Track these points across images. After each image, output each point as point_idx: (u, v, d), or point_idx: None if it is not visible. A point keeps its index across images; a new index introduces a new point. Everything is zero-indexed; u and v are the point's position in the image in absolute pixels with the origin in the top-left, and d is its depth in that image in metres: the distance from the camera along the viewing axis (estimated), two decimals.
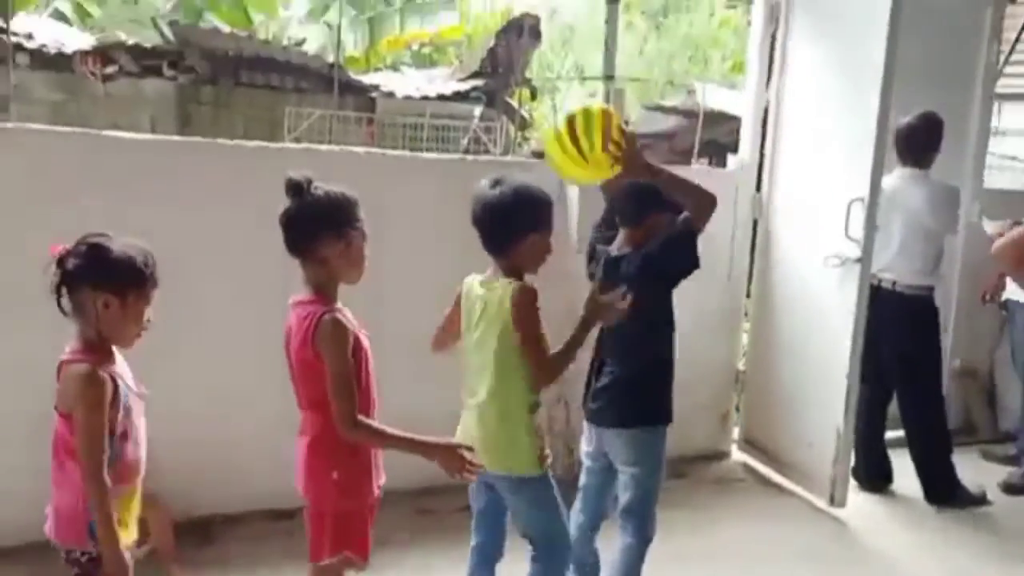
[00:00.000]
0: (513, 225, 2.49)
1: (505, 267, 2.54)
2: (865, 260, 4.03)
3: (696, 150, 5.38)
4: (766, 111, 4.80)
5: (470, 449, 2.27)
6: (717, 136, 7.58)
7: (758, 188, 4.82)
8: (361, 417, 2.17)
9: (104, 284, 2.00)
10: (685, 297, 4.61)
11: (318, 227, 2.23)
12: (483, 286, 2.56)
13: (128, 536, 2.08)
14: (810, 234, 4.42)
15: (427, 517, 3.80)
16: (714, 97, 8.52)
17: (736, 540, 3.17)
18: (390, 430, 2.23)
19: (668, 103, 10.77)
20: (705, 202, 2.68)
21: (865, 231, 3.99)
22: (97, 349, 2.02)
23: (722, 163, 7.35)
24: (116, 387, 2.00)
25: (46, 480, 2.13)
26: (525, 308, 2.43)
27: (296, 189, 2.24)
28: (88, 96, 8.53)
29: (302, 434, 2.32)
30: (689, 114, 7.78)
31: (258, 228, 3.55)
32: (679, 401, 3.84)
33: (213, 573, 3.15)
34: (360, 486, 2.32)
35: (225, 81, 9.47)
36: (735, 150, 5.01)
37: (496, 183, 2.52)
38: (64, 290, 2.00)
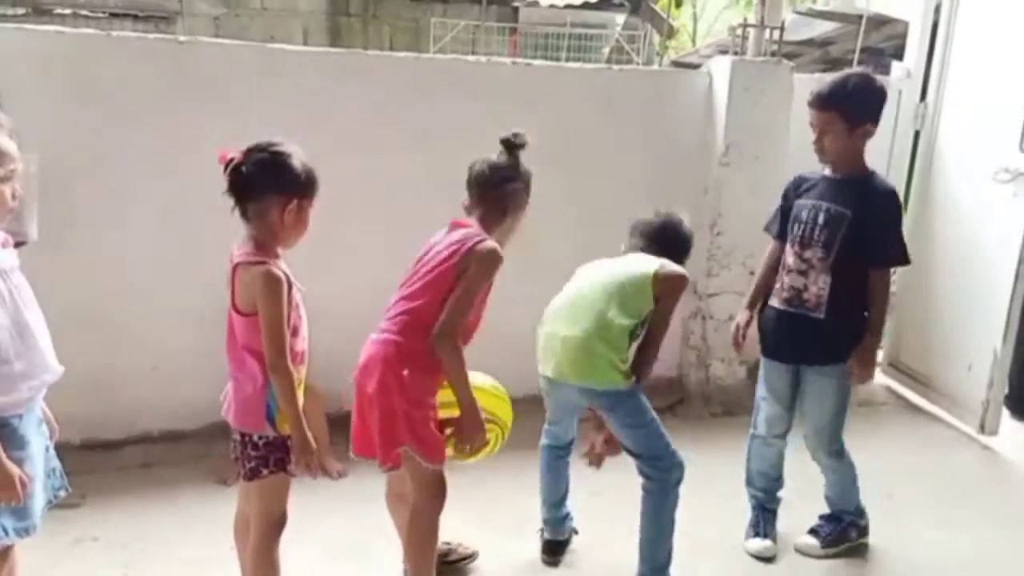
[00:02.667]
0: None
1: None
2: None
3: (856, 57, 5.06)
4: (936, 14, 4.47)
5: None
6: (875, 42, 7.10)
7: (922, 97, 4.53)
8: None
9: (290, 190, 2.14)
10: None
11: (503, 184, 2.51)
12: None
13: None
14: (979, 147, 4.13)
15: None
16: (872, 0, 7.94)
17: (877, 465, 3.10)
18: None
19: (822, 6, 10.11)
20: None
21: None
22: (268, 250, 2.16)
23: (881, 70, 6.91)
24: (290, 284, 2.17)
25: (214, 367, 2.33)
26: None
27: (508, 146, 2.52)
28: (246, 9, 8.85)
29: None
30: (845, 18, 7.27)
31: (411, 135, 3.70)
32: None
33: (363, 465, 3.35)
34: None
35: None
36: (896, 56, 4.69)
37: None
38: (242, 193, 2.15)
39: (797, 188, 2.99)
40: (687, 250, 2.81)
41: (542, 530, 2.97)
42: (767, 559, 3.02)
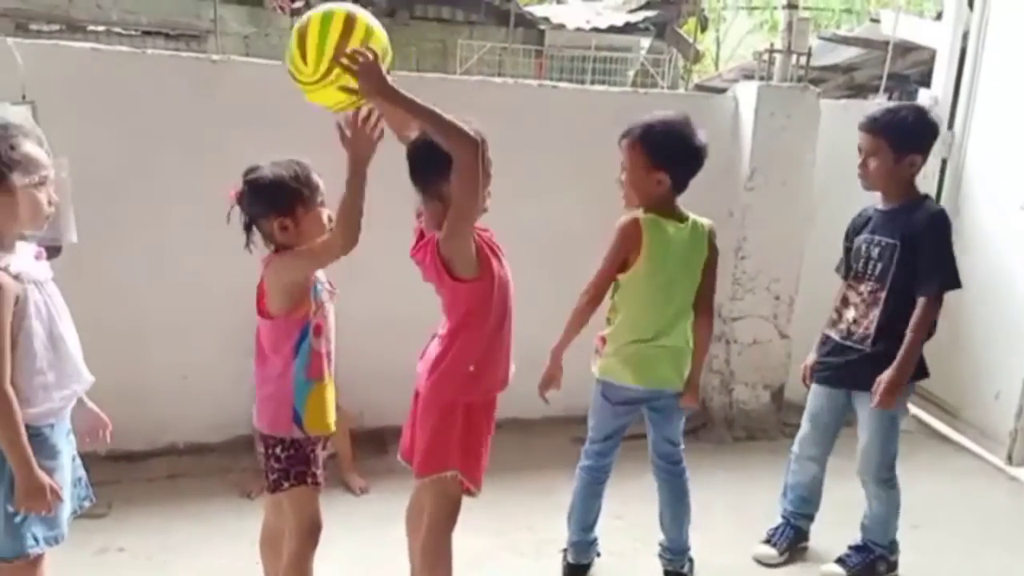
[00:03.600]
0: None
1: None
2: None
3: (883, 83, 5.06)
4: (963, 41, 4.46)
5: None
6: (901, 68, 7.07)
7: (950, 125, 4.51)
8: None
9: (272, 210, 2.18)
10: None
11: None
12: (670, 224, 2.64)
13: (331, 425, 2.28)
14: (1007, 175, 4.12)
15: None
16: (899, 26, 7.91)
17: (903, 496, 3.07)
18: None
19: (846, 32, 10.11)
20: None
21: None
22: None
23: (906, 97, 6.88)
24: (312, 284, 2.20)
25: (240, 380, 2.35)
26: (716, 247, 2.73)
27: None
28: (275, 29, 8.97)
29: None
30: (870, 44, 7.25)
31: None
32: None
33: (385, 481, 3.38)
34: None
35: (401, 14, 9.71)
36: (922, 83, 4.69)
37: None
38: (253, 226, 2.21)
39: (855, 226, 3.02)
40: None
41: (566, 552, 2.96)
42: (766, 565, 3.07)
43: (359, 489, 3.41)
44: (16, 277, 1.89)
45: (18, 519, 1.93)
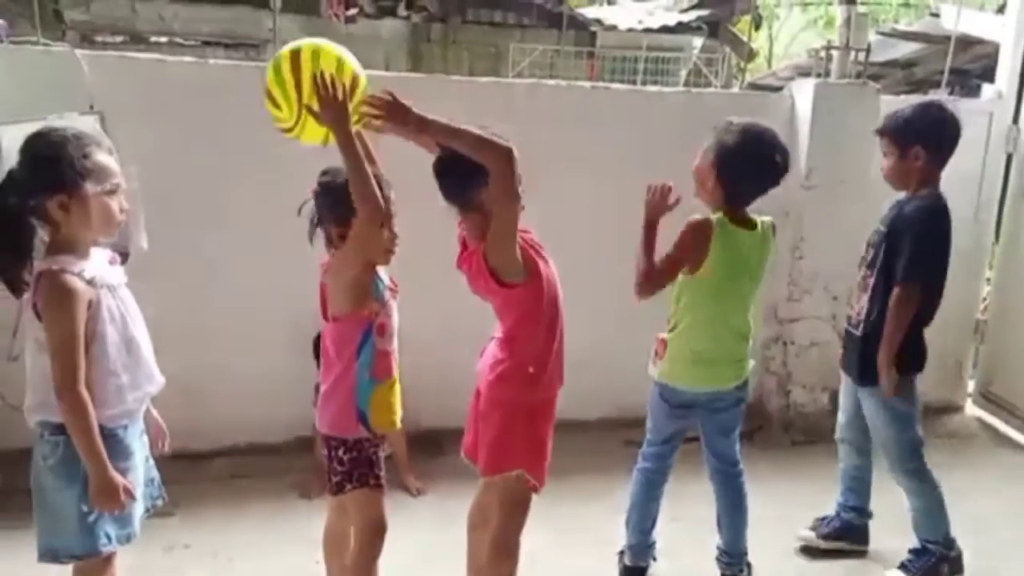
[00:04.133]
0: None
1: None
2: None
3: (945, 79, 4.94)
4: None
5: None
6: (962, 63, 6.89)
7: (1015, 119, 4.39)
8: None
9: (332, 215, 2.21)
10: None
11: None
12: (741, 231, 2.63)
13: (397, 422, 2.33)
14: None
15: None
16: (960, 19, 7.71)
17: (967, 499, 3.00)
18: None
19: (904, 27, 9.88)
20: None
21: None
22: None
23: (968, 92, 6.68)
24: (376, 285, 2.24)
25: (299, 382, 2.38)
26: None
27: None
28: (333, 37, 9.11)
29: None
30: (930, 39, 7.07)
31: None
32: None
33: (444, 483, 3.42)
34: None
35: (453, 19, 9.78)
36: (983, 78, 4.56)
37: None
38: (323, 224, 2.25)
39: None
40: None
41: (623, 554, 2.95)
42: (807, 552, 3.15)
43: (416, 490, 3.45)
44: (90, 282, 1.95)
45: (92, 518, 2.00)
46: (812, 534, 3.19)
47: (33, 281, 1.93)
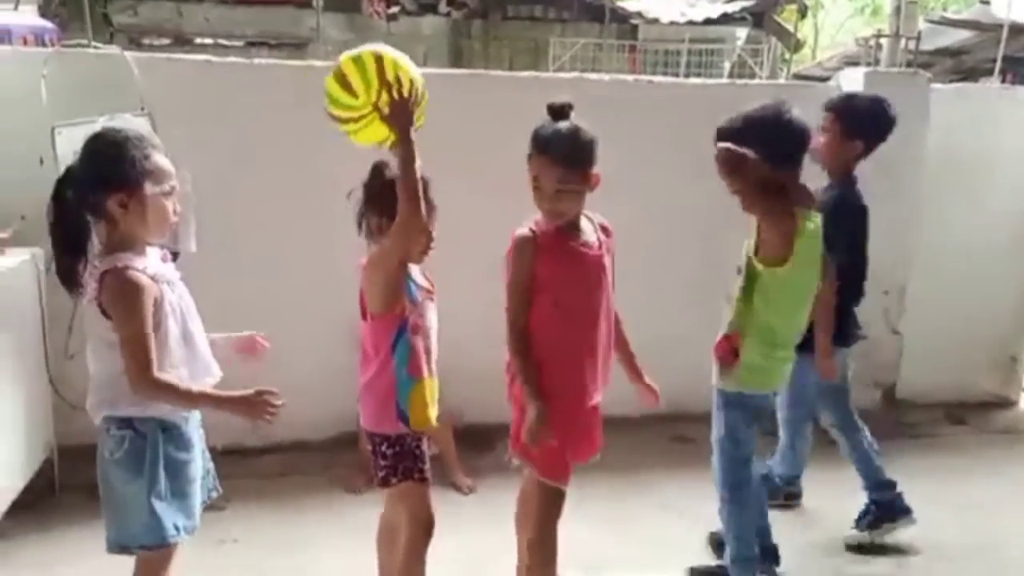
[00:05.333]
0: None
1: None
2: None
3: (998, 67, 4.81)
4: None
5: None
6: (1013, 51, 6.71)
7: None
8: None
9: (373, 208, 2.25)
10: (969, 229, 4.26)
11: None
12: (809, 219, 2.52)
13: (432, 420, 2.32)
14: None
15: (683, 445, 3.86)
16: (1012, 7, 7.51)
17: (1019, 494, 2.92)
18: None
19: (954, 15, 9.65)
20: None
21: None
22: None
23: (1020, 80, 6.50)
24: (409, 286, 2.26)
25: (340, 378, 2.40)
26: None
27: (560, 113, 2.31)
28: (373, 34, 9.18)
29: None
30: (980, 26, 6.90)
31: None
32: (955, 342, 3.51)
33: (492, 478, 3.41)
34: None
35: (494, 15, 9.79)
36: None
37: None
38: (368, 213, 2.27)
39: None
40: None
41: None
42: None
43: (467, 488, 3.44)
44: (152, 278, 1.99)
45: (159, 510, 2.03)
46: (855, 532, 3.12)
47: (97, 280, 1.97)
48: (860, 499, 3.13)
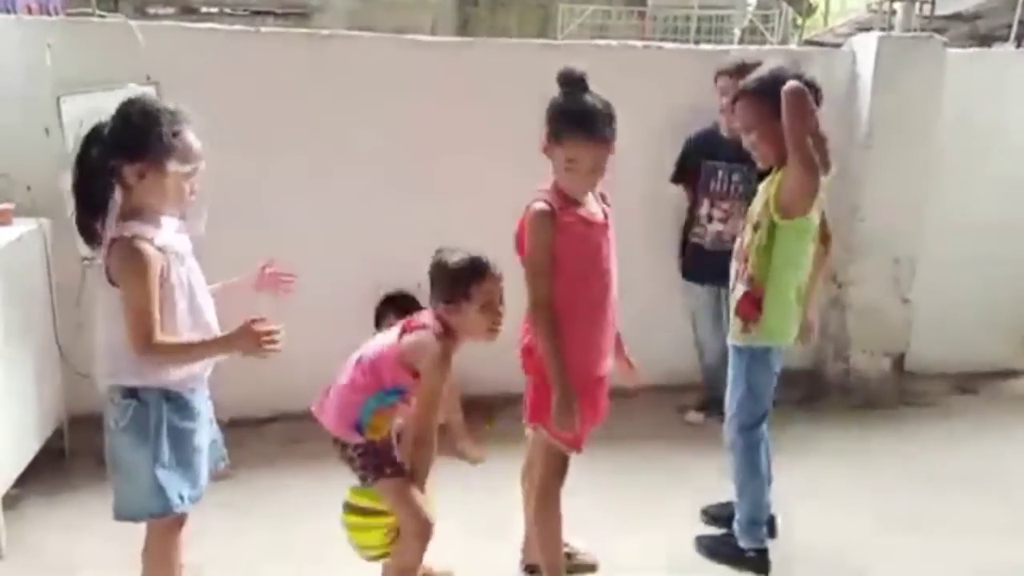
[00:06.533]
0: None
1: None
2: None
3: (1013, 32, 4.74)
4: None
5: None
6: None
7: None
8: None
9: (442, 296, 2.21)
10: (983, 197, 4.21)
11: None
12: None
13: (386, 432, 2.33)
14: None
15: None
16: None
17: None
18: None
19: None
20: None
21: None
22: None
23: None
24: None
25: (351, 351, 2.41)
26: None
27: (577, 83, 2.25)
28: (379, 5, 9.10)
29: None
30: None
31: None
32: (966, 312, 3.44)
33: (493, 447, 3.45)
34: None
35: None
36: None
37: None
38: None
39: None
40: None
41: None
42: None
43: (474, 458, 3.44)
44: (160, 250, 1.99)
45: (163, 479, 2.04)
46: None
47: (106, 247, 1.97)
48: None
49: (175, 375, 2.05)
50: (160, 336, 1.96)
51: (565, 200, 2.26)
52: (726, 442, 2.75)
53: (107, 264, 1.97)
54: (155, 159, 1.96)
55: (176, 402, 2.07)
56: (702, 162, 3.64)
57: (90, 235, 2.02)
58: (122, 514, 2.09)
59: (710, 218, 3.63)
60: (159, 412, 2.04)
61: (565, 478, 2.41)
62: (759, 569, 2.70)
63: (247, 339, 2.01)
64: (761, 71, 2.57)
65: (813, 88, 2.46)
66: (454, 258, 2.19)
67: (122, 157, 1.96)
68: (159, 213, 2.05)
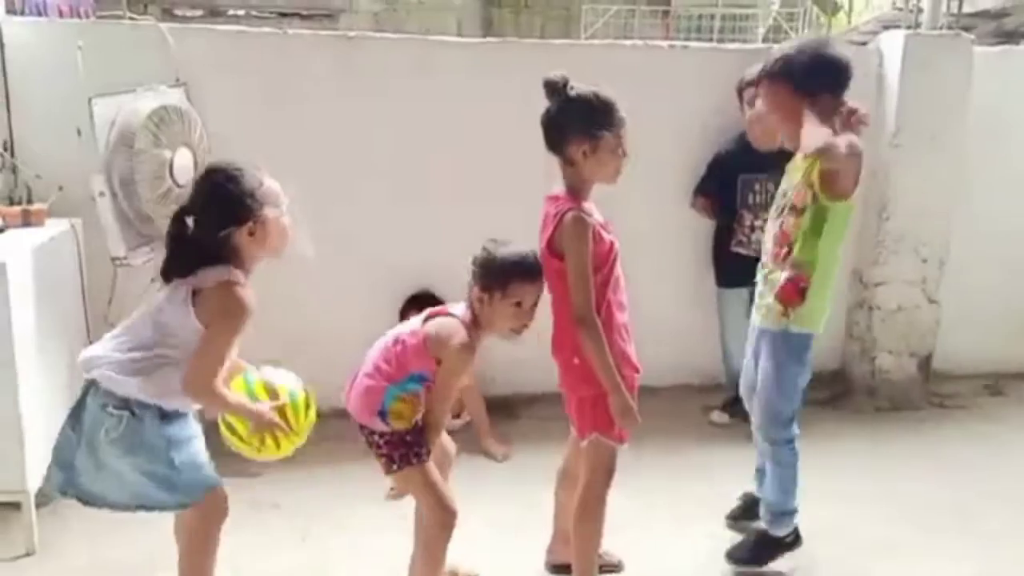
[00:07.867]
0: None
1: None
2: None
3: None
4: None
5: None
6: None
7: None
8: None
9: (481, 285, 2.25)
10: (1012, 196, 4.16)
11: (566, 129, 2.25)
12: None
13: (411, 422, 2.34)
14: None
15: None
16: None
17: None
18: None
19: None
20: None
21: None
22: None
23: None
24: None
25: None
26: None
27: (552, 89, 2.27)
28: (404, 4, 9.13)
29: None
30: None
31: None
32: (994, 312, 3.41)
33: (518, 445, 3.49)
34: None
35: None
36: None
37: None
38: None
39: None
40: None
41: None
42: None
43: (501, 455, 3.45)
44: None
45: (189, 470, 2.12)
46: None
47: (212, 285, 2.04)
48: None
49: (176, 400, 2.11)
50: (220, 385, 2.06)
51: (583, 207, 2.27)
52: (757, 435, 2.72)
53: (198, 300, 2.04)
54: (257, 215, 2.07)
55: (171, 417, 2.13)
56: (737, 176, 3.62)
57: (167, 280, 2.11)
58: (185, 502, 2.13)
59: (753, 228, 3.58)
60: (154, 425, 2.09)
61: (612, 480, 2.40)
62: (794, 546, 2.73)
63: (263, 420, 2.13)
64: (782, 48, 2.54)
65: (840, 65, 2.47)
66: (504, 250, 2.22)
67: (232, 225, 2.06)
68: (262, 260, 2.17)
